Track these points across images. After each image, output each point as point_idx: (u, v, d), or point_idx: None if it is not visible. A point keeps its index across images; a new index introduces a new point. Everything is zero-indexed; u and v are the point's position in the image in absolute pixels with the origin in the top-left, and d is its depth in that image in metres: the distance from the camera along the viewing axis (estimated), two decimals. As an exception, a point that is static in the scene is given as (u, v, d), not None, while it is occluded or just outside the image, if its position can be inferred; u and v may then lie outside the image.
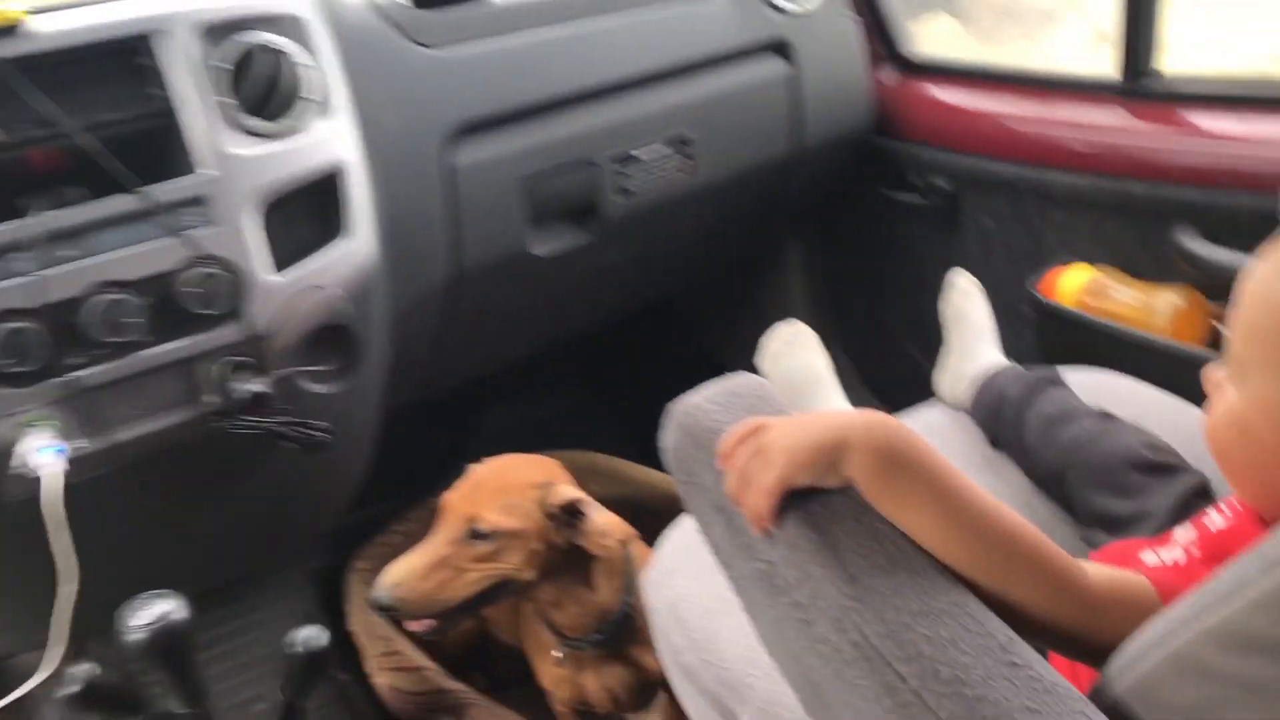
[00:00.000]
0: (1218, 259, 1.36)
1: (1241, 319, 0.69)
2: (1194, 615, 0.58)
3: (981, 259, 1.70)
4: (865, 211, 1.91)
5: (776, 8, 1.66)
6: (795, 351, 1.38)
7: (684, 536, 1.10)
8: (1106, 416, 1.14)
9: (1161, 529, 0.97)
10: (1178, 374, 1.33)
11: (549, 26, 1.47)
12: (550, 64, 1.46)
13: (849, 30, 1.76)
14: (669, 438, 0.81)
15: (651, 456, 0.94)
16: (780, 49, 1.68)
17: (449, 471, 1.31)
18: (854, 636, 0.64)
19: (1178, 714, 0.58)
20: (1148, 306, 1.41)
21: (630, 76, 1.53)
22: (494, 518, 1.21)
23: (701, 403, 0.79)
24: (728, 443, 0.72)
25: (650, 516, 1.33)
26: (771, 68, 1.67)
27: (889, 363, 1.96)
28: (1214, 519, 0.79)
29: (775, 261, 2.06)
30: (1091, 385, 1.24)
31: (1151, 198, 1.44)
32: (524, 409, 2.18)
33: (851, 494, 0.70)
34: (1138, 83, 1.51)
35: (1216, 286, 1.39)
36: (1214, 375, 0.74)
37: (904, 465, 0.67)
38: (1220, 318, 1.38)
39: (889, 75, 1.84)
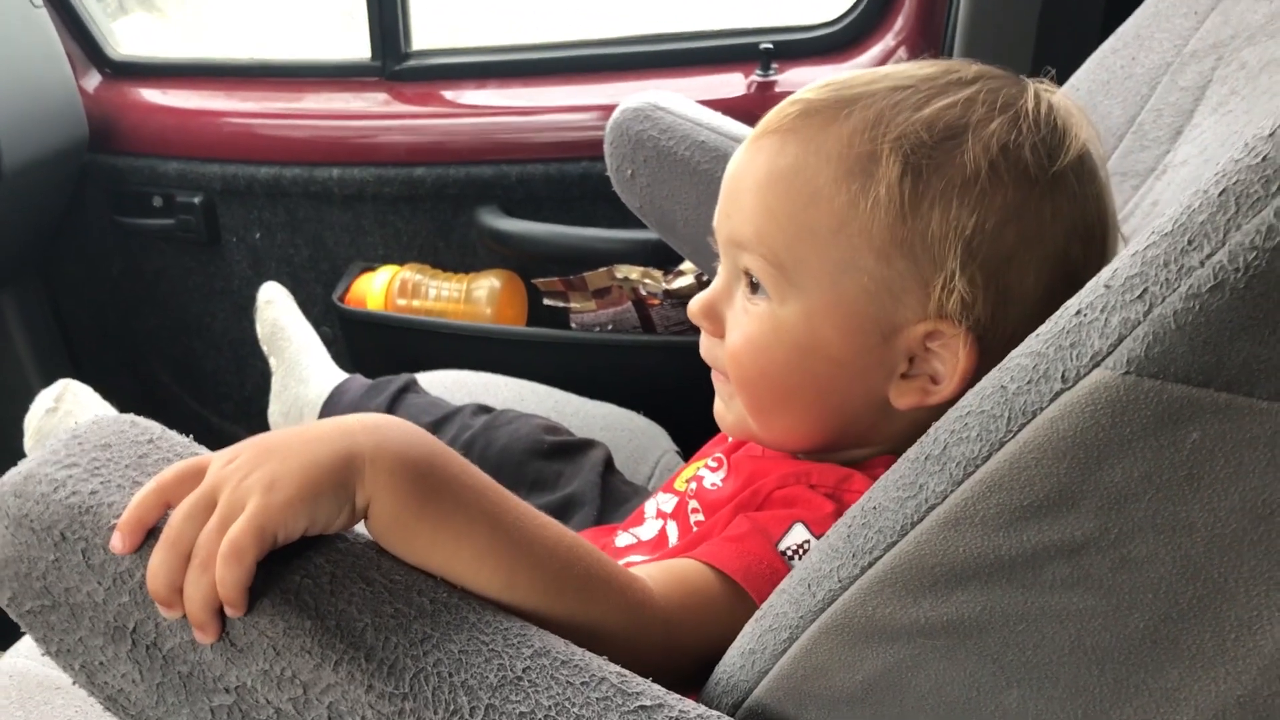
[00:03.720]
0: (524, 231, 1.30)
1: (777, 219, 0.57)
2: (839, 571, 0.45)
3: (255, 279, 1.48)
4: (99, 246, 1.56)
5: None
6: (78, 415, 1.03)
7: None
8: (484, 409, 1.00)
9: (604, 512, 0.86)
10: (512, 356, 1.26)
11: None
12: None
13: (39, 25, 1.40)
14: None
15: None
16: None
17: None
18: (416, 757, 0.41)
19: (853, 697, 0.45)
20: (467, 295, 1.31)
21: None
22: None
23: (44, 471, 0.47)
24: (141, 506, 0.44)
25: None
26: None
27: (169, 422, 1.62)
28: (704, 474, 0.69)
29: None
30: (443, 385, 1.10)
31: (442, 181, 1.34)
32: None
33: (343, 542, 0.46)
34: (398, 64, 1.41)
35: (529, 260, 1.34)
36: (708, 303, 0.62)
37: (441, 480, 0.46)
38: (550, 291, 1.32)
39: (94, 81, 1.52)
